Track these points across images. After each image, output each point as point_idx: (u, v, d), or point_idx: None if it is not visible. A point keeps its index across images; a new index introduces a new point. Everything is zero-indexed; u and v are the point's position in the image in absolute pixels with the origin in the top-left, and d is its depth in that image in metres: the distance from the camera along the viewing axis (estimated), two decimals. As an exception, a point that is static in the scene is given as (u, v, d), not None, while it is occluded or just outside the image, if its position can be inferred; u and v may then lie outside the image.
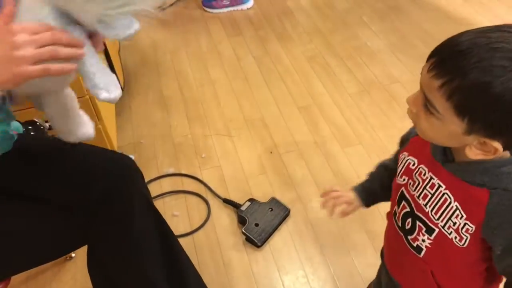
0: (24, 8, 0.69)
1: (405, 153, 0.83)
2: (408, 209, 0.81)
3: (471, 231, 0.71)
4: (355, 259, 1.45)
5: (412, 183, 0.80)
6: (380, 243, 1.48)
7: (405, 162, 0.82)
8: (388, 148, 1.79)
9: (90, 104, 1.46)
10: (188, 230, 1.56)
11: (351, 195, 1.00)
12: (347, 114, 1.96)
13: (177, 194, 1.69)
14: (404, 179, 0.82)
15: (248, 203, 1.59)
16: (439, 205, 0.74)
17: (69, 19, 0.72)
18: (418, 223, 0.79)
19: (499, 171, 0.67)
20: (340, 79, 2.15)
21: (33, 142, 1.03)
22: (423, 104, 0.66)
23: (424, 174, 0.77)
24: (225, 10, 2.68)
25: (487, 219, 0.68)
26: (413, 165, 0.80)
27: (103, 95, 0.76)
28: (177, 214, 1.61)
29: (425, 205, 0.77)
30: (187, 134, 1.93)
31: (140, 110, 2.06)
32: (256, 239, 1.49)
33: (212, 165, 1.79)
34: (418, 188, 0.78)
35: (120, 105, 2.05)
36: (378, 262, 1.44)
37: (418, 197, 0.78)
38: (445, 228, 0.74)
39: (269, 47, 2.40)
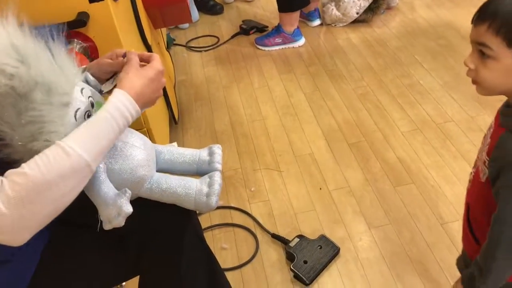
0: None
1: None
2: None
3: (487, 164, 0.85)
4: (408, 303, 1.40)
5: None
6: (433, 285, 1.43)
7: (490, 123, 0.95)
8: (442, 188, 1.74)
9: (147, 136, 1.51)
10: (236, 264, 1.56)
11: None
12: (400, 152, 1.93)
13: (226, 227, 1.70)
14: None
15: (297, 240, 1.58)
16: (483, 141, 0.91)
17: None
18: (475, 160, 0.96)
19: None
20: (392, 117, 2.13)
21: None
22: (479, 54, 0.80)
23: (491, 123, 0.91)
24: (277, 48, 2.74)
25: (492, 152, 0.84)
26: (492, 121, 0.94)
27: (107, 226, 0.86)
28: (226, 247, 1.62)
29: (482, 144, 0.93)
30: (237, 168, 1.96)
31: (192, 143, 2.11)
32: (304, 276, 1.46)
33: (261, 199, 1.80)
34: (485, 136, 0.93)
35: (173, 138, 2.11)
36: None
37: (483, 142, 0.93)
38: (479, 161, 0.90)
39: (319, 84, 2.42)
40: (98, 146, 0.77)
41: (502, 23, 0.75)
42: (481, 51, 0.79)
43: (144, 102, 0.86)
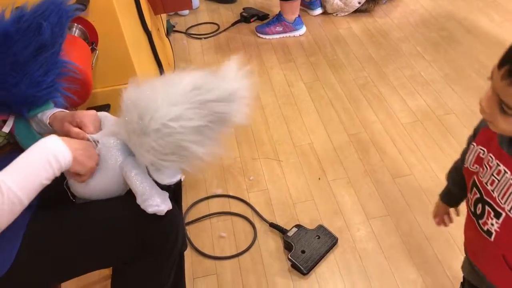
0: (101, 134, 1.00)
1: (474, 143, 0.89)
2: (478, 195, 0.86)
3: None
4: (405, 294, 1.40)
5: (482, 170, 0.85)
6: (431, 277, 1.43)
7: (476, 152, 0.88)
8: (441, 180, 1.73)
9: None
10: (234, 252, 1.56)
11: (440, 204, 1.13)
12: (399, 143, 1.93)
13: (224, 215, 1.70)
14: (476, 167, 0.87)
15: (295, 229, 1.57)
16: (505, 190, 0.79)
17: (129, 152, 0.97)
18: (487, 207, 0.84)
19: None
20: (393, 108, 2.12)
21: None
22: (499, 106, 0.71)
23: (492, 162, 0.82)
24: (277, 36, 2.72)
25: None
26: (483, 154, 0.85)
27: (153, 208, 0.93)
28: (224, 236, 1.62)
29: (493, 191, 0.82)
30: (236, 157, 1.95)
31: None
32: (302, 266, 1.46)
33: (260, 188, 1.79)
34: (486, 175, 0.83)
35: (172, 125, 2.10)
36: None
37: (487, 183, 0.83)
38: (511, 212, 0.79)
39: (320, 73, 2.40)
40: (32, 185, 0.84)
41: None
42: (502, 107, 0.71)
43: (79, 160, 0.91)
